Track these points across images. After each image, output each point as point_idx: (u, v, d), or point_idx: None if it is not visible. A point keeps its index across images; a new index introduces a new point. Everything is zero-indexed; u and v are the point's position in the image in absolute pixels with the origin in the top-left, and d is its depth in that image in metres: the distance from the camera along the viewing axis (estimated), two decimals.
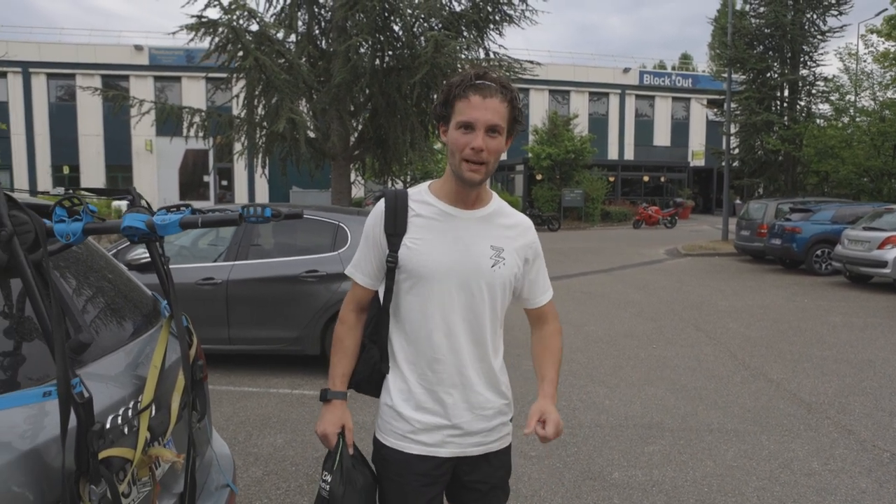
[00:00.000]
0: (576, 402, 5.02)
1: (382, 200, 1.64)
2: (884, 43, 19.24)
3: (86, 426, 1.26)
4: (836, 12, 20.52)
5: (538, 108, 34.96)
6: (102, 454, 1.30)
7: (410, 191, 1.66)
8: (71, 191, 1.54)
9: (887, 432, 4.40)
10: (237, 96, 11.97)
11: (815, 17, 20.77)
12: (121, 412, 1.48)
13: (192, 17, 10.84)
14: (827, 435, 4.36)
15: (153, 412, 1.57)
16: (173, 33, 10.91)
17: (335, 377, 1.71)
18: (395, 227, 1.60)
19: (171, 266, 5.74)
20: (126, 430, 1.46)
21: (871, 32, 19.68)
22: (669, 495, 3.46)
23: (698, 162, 37.56)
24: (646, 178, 34.44)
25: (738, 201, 28.90)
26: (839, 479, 3.67)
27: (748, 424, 4.55)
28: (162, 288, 1.78)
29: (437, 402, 1.62)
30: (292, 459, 3.88)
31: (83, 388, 1.26)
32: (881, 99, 19.69)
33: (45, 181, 30.44)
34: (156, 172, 31.73)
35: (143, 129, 22.54)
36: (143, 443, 1.47)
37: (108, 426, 1.40)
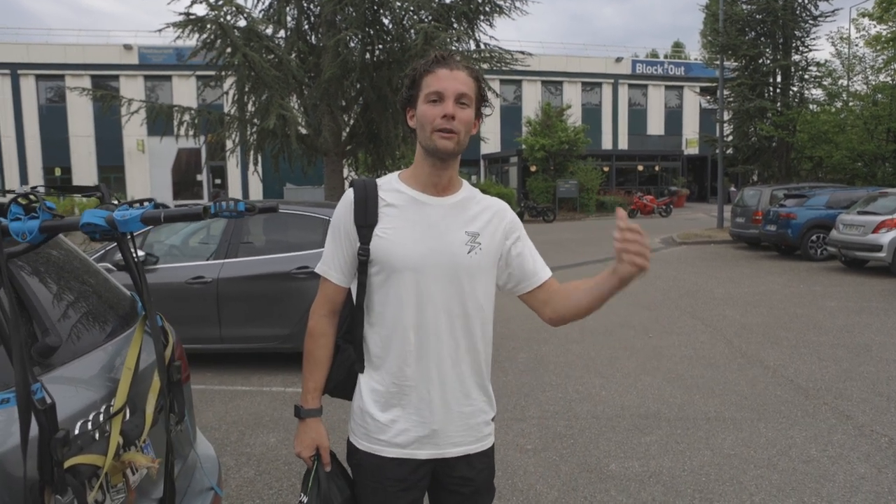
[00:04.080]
0: (572, 393, 4.98)
1: (350, 191, 1.57)
2: (875, 26, 19.19)
3: (48, 434, 1.20)
4: None
5: (531, 100, 34.85)
6: (69, 462, 1.25)
7: (380, 180, 1.59)
8: (36, 188, 1.48)
9: (885, 416, 4.37)
10: (227, 93, 11.87)
11: (806, 1, 20.71)
12: (91, 417, 1.42)
13: (180, 14, 10.73)
14: (825, 421, 4.33)
15: (126, 416, 1.52)
16: (160, 31, 10.78)
17: (307, 392, 1.62)
18: (366, 217, 1.52)
19: (161, 265, 5.64)
20: (97, 435, 1.40)
21: (863, 16, 19.64)
22: (667, 486, 3.42)
23: (692, 150, 37.52)
24: (640, 168, 34.40)
25: (732, 188, 28.90)
26: (837, 466, 3.63)
27: (745, 412, 4.51)
28: (134, 286, 1.72)
29: (414, 400, 1.54)
30: (285, 459, 3.83)
31: (45, 394, 1.21)
32: (873, 83, 19.68)
33: (36, 183, 30.27)
34: (148, 172, 31.56)
35: (134, 129, 22.45)
36: (116, 448, 1.41)
37: (76, 432, 1.34)
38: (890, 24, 18.13)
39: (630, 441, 4.03)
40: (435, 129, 1.47)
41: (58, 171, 30.85)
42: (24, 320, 1.43)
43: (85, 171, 30.96)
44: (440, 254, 1.52)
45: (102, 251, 5.57)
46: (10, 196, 1.40)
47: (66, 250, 2.00)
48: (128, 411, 1.53)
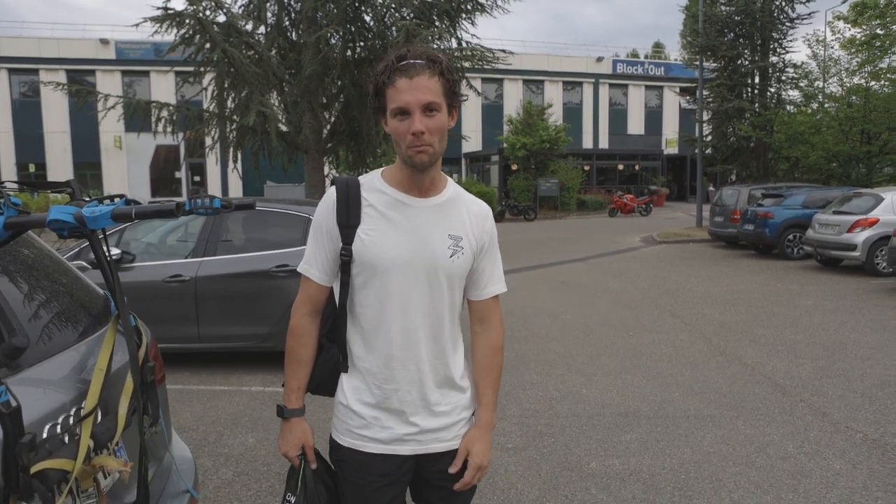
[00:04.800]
0: (552, 391, 4.99)
1: (333, 190, 1.55)
2: (850, 29, 19.51)
3: (14, 438, 1.16)
4: None
5: (512, 98, 34.92)
6: (35, 467, 1.21)
7: (362, 179, 1.57)
8: (2, 183, 1.43)
9: (860, 413, 4.44)
10: (206, 89, 11.73)
11: (783, 4, 21.01)
12: (60, 420, 1.38)
13: (158, 8, 10.58)
14: (801, 418, 4.39)
15: (98, 418, 1.48)
16: (137, 25, 10.63)
17: (290, 392, 1.61)
18: (349, 218, 1.51)
19: (138, 263, 5.52)
20: (66, 438, 1.36)
21: (838, 19, 19.95)
22: (647, 483, 3.43)
23: (672, 150, 37.88)
24: (620, 167, 34.65)
25: (711, 188, 29.24)
26: (814, 462, 3.68)
27: (724, 410, 4.55)
28: (106, 285, 1.67)
29: (395, 399, 1.55)
30: (264, 459, 3.78)
31: (10, 397, 1.16)
32: (848, 85, 19.99)
33: (8, 180, 29.61)
34: (126, 169, 31.08)
35: (111, 125, 22.03)
36: (86, 452, 1.37)
37: (44, 436, 1.30)
38: (864, 27, 18.44)
39: (610, 439, 4.04)
40: (408, 147, 1.44)
41: (32, 168, 30.23)
42: None
43: (60, 167, 30.39)
44: (422, 256, 1.51)
45: (77, 249, 5.47)
46: None
47: (37, 248, 1.94)
48: (99, 413, 1.49)
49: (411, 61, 1.42)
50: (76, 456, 1.34)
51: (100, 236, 1.63)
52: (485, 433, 1.63)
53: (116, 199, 1.37)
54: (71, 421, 1.40)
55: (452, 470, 1.59)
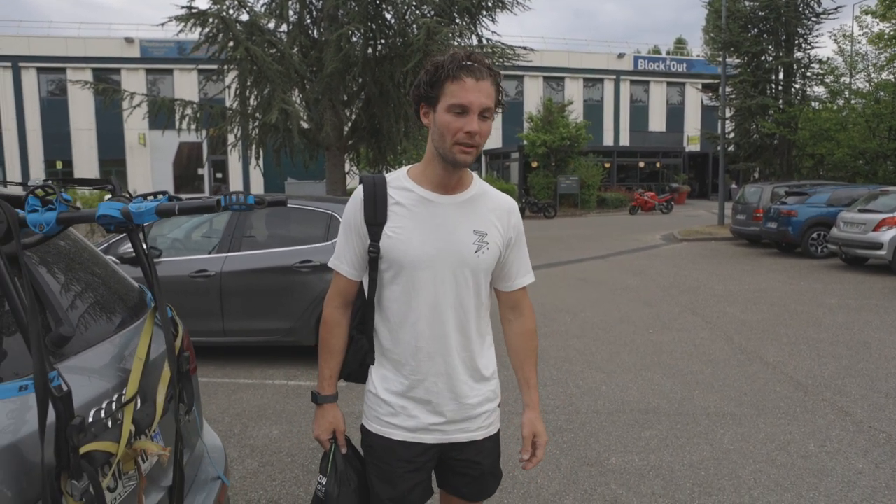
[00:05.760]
0: (573, 388, 5.01)
1: (360, 188, 1.60)
2: (878, 24, 19.14)
3: (65, 420, 1.23)
4: None
5: (533, 95, 34.84)
6: (84, 448, 1.28)
7: (389, 177, 1.62)
8: (49, 180, 1.50)
9: (883, 413, 4.40)
10: (229, 87, 11.89)
11: None
12: (104, 405, 1.45)
13: (182, 7, 10.75)
14: (823, 417, 4.36)
15: (138, 405, 1.55)
16: (162, 24, 10.80)
17: (323, 379, 1.70)
18: (376, 215, 1.56)
19: (164, 258, 5.65)
20: (109, 423, 1.43)
21: (866, 13, 19.57)
22: (666, 480, 3.45)
23: (694, 147, 37.48)
24: (641, 164, 34.39)
25: (733, 186, 28.91)
26: (835, 461, 3.67)
27: (745, 408, 4.54)
28: (145, 278, 1.74)
29: (421, 389, 1.61)
30: (288, 451, 3.86)
31: (61, 382, 1.23)
32: (876, 80, 19.65)
33: (38, 176, 30.26)
34: (150, 166, 31.58)
35: (135, 122, 22.40)
36: (128, 436, 1.44)
37: (90, 420, 1.37)
38: (893, 21, 18.08)
39: (630, 435, 4.06)
40: (456, 143, 1.47)
41: (59, 165, 30.86)
42: (39, 310, 1.45)
43: (86, 164, 30.98)
44: (448, 253, 1.56)
45: (106, 244, 5.60)
46: (27, 188, 1.43)
47: (75, 241, 2.02)
48: (139, 400, 1.56)
49: (477, 65, 1.47)
50: (119, 439, 1.41)
51: (139, 231, 1.70)
52: (539, 413, 1.73)
53: (159, 196, 1.44)
54: (113, 407, 1.47)
55: (525, 456, 1.69)
